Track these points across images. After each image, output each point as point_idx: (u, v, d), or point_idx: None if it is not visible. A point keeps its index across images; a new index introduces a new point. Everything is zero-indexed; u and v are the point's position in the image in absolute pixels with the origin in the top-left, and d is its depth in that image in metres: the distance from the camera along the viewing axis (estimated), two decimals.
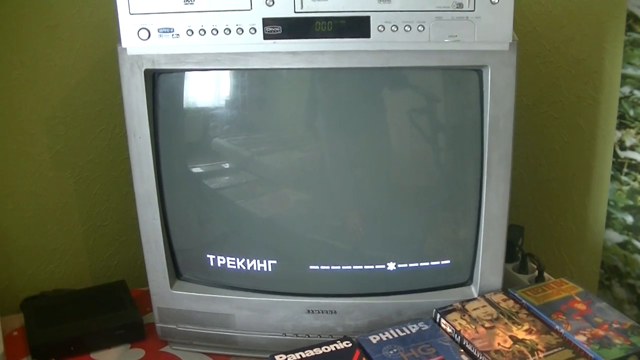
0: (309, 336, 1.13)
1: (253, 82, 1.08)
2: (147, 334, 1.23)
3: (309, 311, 1.12)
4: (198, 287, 1.15)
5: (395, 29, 0.96)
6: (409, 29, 0.96)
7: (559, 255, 1.47)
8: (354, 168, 1.12)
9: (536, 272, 1.26)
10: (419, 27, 0.96)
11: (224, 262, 1.15)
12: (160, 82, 1.05)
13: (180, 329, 1.17)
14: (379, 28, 0.96)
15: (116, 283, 1.33)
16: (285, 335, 1.14)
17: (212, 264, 1.16)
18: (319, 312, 1.12)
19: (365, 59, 0.99)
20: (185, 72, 1.05)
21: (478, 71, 1.01)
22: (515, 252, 1.30)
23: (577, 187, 1.42)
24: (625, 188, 1.31)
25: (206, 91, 1.09)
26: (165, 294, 1.15)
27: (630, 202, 1.31)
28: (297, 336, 1.14)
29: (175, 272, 1.16)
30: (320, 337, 1.12)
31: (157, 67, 1.02)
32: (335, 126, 1.10)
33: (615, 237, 1.36)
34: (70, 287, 1.37)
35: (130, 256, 1.43)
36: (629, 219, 1.32)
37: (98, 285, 1.35)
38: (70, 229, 1.41)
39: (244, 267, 1.15)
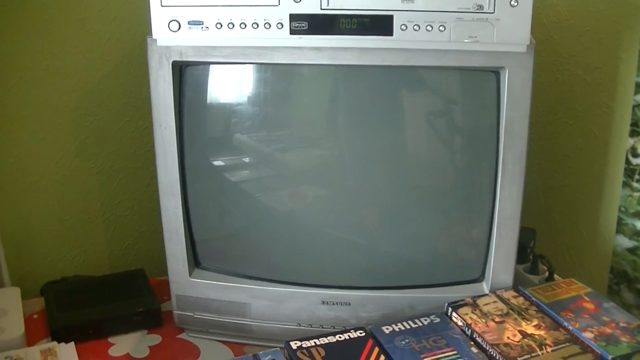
0: (322, 327, 1.16)
1: (276, 78, 1.11)
2: (164, 322, 1.26)
3: (323, 302, 1.15)
4: (216, 276, 1.18)
5: (417, 28, 0.99)
6: (430, 28, 0.99)
7: (570, 259, 1.49)
8: (371, 165, 1.15)
9: (546, 274, 1.29)
10: (440, 27, 0.99)
11: (242, 252, 1.18)
12: (187, 75, 1.09)
13: (197, 316, 1.20)
14: (402, 27, 0.99)
15: (135, 271, 1.37)
16: (300, 326, 1.17)
17: (230, 253, 1.19)
18: (333, 304, 1.15)
19: (387, 57, 1.02)
20: (211, 66, 1.09)
21: (496, 73, 1.04)
22: (527, 253, 1.32)
23: (589, 192, 1.44)
24: (636, 194, 1.33)
25: (230, 86, 1.13)
26: (184, 282, 1.18)
27: None
28: (311, 326, 1.17)
29: (195, 261, 1.19)
30: (334, 328, 1.15)
31: (184, 59, 1.05)
32: (355, 124, 1.13)
33: (625, 242, 1.38)
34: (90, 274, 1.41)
35: (149, 247, 1.46)
36: (639, 225, 1.34)
37: (117, 272, 1.38)
38: (92, 218, 1.44)
39: (261, 258, 1.18)
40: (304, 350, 0.99)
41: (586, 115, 1.41)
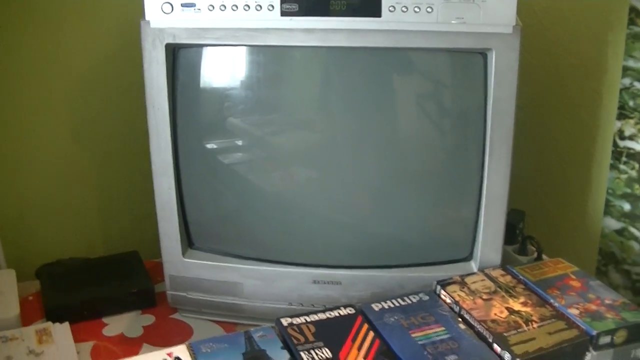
0: (314, 306, 1.17)
1: (268, 61, 1.13)
2: (158, 303, 1.28)
3: (314, 281, 1.17)
4: (209, 256, 1.20)
5: (405, 10, 1.01)
6: (418, 9, 1.01)
7: (559, 241, 1.51)
8: (361, 147, 1.16)
9: (535, 254, 1.31)
10: (428, 9, 1.01)
11: (234, 233, 1.20)
12: (180, 57, 1.10)
13: (190, 296, 1.21)
14: (390, 8, 1.01)
15: (129, 253, 1.38)
16: (291, 305, 1.19)
17: (223, 234, 1.21)
18: (324, 283, 1.17)
19: (376, 38, 1.03)
20: (204, 48, 1.10)
21: (483, 54, 1.06)
22: (516, 235, 1.34)
23: (577, 175, 1.46)
24: (624, 176, 1.35)
25: (223, 68, 1.14)
26: (177, 262, 1.19)
27: (628, 190, 1.36)
28: (302, 306, 1.18)
29: (188, 241, 1.21)
30: (325, 307, 1.16)
31: (177, 41, 1.07)
32: (345, 106, 1.15)
33: (612, 224, 1.40)
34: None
35: (144, 229, 1.46)
36: (627, 207, 1.37)
37: (112, 254, 1.40)
38: (87, 201, 1.45)
39: (253, 238, 1.19)
40: (295, 327, 1.01)
41: (574, 99, 1.43)
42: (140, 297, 1.26)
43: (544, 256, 1.30)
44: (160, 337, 1.19)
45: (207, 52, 1.11)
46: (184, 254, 1.19)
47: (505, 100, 1.06)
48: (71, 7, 1.34)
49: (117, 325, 1.23)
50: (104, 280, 1.29)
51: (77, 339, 1.16)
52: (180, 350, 0.97)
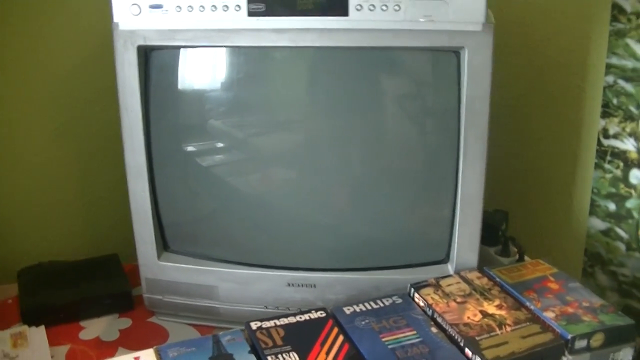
0: (289, 309, 1.17)
1: (240, 62, 1.12)
2: (136, 306, 1.27)
3: (289, 284, 1.16)
4: (184, 259, 1.19)
5: (373, 8, 1.00)
6: (385, 8, 0.99)
7: (545, 242, 1.49)
8: (336, 148, 1.15)
9: (517, 256, 1.29)
10: (395, 7, 0.99)
11: (209, 235, 1.19)
12: (153, 59, 1.09)
13: (167, 300, 1.21)
14: (357, 7, 1.00)
15: (109, 256, 1.37)
16: (267, 308, 1.18)
17: (198, 237, 1.20)
18: (299, 286, 1.16)
19: (346, 38, 1.02)
20: (176, 50, 1.09)
21: (456, 53, 1.04)
22: (498, 236, 1.32)
23: (562, 175, 1.44)
24: (608, 176, 1.33)
25: (195, 70, 1.13)
26: (153, 265, 1.19)
27: (613, 190, 1.33)
28: (278, 309, 1.17)
29: (163, 244, 1.20)
30: (301, 310, 1.15)
31: (148, 43, 1.06)
32: (319, 107, 1.14)
33: (598, 224, 1.38)
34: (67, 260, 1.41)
35: (126, 231, 1.46)
36: (612, 207, 1.35)
37: (92, 257, 1.39)
38: (69, 203, 1.45)
39: (227, 241, 1.18)
40: (264, 331, 1.00)
41: (559, 97, 1.41)
42: (117, 300, 1.26)
43: (526, 257, 1.28)
44: (135, 341, 1.18)
45: (179, 54, 1.10)
46: (159, 257, 1.18)
47: (479, 99, 1.05)
48: (53, 6, 1.33)
49: (94, 328, 1.22)
50: (82, 284, 1.28)
51: (53, 343, 1.16)
52: (148, 354, 0.97)
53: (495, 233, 1.31)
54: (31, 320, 1.19)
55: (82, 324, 1.23)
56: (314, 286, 1.15)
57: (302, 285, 1.15)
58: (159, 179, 1.16)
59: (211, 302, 1.19)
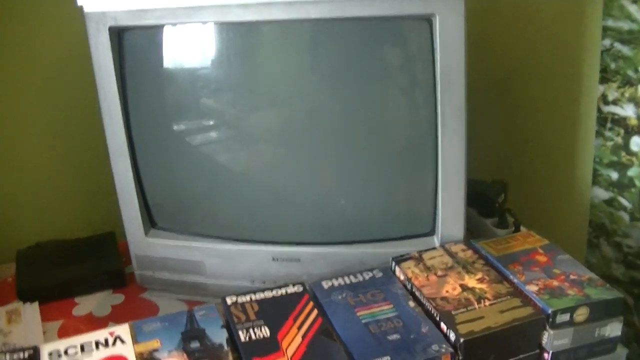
0: (276, 284, 1.15)
1: (211, 38, 1.10)
2: (129, 282, 1.28)
3: (274, 259, 1.15)
4: (171, 235, 1.20)
5: None
6: None
7: (548, 213, 1.45)
8: (316, 122, 1.13)
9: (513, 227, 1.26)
10: None
11: (193, 211, 1.19)
12: (126, 40, 1.09)
13: (157, 276, 1.22)
14: None
15: (106, 234, 1.39)
16: (253, 283, 1.18)
17: (183, 213, 1.20)
18: (283, 260, 1.15)
19: (314, 9, 0.99)
20: (148, 30, 1.08)
21: (428, 21, 1.01)
22: (494, 207, 1.29)
23: (563, 145, 1.40)
24: (610, 144, 1.29)
25: (168, 48, 1.11)
26: (141, 242, 1.20)
27: (615, 158, 1.29)
28: (264, 284, 1.17)
29: (150, 221, 1.20)
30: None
31: (119, 24, 1.05)
32: (294, 81, 1.12)
33: (601, 194, 1.33)
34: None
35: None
36: (614, 176, 1.30)
37: (89, 236, 1.41)
38: (67, 182, 1.46)
39: (212, 217, 1.18)
40: (238, 305, 1.00)
41: (555, 66, 1.36)
42: (110, 277, 1.27)
43: (522, 228, 1.25)
44: (126, 316, 1.18)
45: (151, 33, 1.09)
46: (146, 233, 1.19)
47: (454, 70, 1.01)
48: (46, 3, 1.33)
49: (87, 304, 1.24)
50: (77, 262, 1.30)
51: (46, 318, 1.18)
52: (122, 329, 0.98)
53: (490, 204, 1.28)
54: (27, 297, 1.22)
55: (76, 300, 1.25)
56: (299, 260, 1.15)
57: (287, 260, 1.15)
58: (141, 158, 1.16)
59: (199, 277, 1.19)
